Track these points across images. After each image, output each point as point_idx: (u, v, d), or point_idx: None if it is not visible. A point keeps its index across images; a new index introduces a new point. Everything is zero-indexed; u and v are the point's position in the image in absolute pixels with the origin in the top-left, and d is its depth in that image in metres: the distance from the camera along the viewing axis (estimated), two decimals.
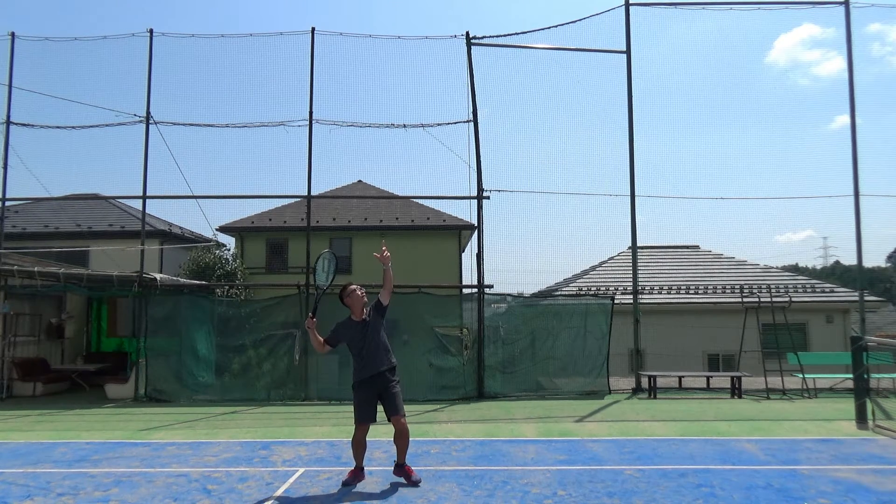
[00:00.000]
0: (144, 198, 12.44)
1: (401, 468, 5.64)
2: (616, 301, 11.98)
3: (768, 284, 17.17)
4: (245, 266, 20.15)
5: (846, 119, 12.11)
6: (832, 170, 12.52)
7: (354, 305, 5.68)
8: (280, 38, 12.42)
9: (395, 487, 5.43)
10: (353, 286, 5.78)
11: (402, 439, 5.56)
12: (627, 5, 12.33)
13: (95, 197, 18.37)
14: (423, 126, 12.24)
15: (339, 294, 5.79)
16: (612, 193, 12.13)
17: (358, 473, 5.60)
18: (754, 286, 18.00)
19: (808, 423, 8.51)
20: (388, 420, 5.60)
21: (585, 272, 21.54)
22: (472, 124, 12.13)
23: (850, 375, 9.37)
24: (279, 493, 5.34)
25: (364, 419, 5.52)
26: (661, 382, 11.61)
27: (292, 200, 18.36)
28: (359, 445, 5.56)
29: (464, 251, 22.56)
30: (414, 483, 5.51)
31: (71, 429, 8.66)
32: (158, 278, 12.02)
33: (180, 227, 20.85)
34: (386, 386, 5.54)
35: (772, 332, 12.02)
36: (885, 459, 6.38)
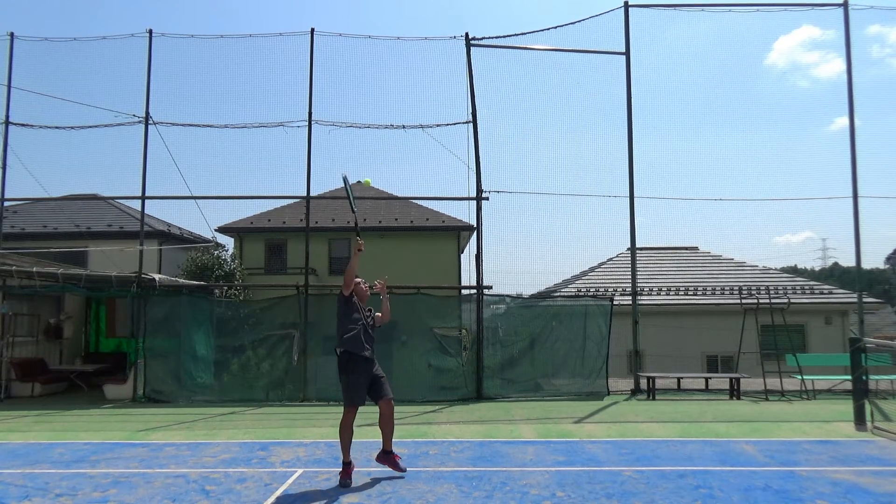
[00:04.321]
0: (143, 198, 12.43)
1: (388, 455, 5.81)
2: (615, 302, 11.98)
3: (767, 286, 17.18)
4: (244, 267, 20.13)
5: (845, 121, 12.13)
6: (831, 171, 12.48)
7: (360, 295, 5.97)
8: (279, 39, 12.43)
9: (393, 488, 5.43)
10: (357, 279, 6.06)
11: (390, 423, 5.79)
12: (626, 7, 12.34)
13: (94, 197, 18.35)
14: (422, 127, 12.25)
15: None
16: (612, 195, 12.14)
17: (349, 469, 5.64)
18: (753, 287, 18.01)
19: (806, 424, 8.52)
20: (378, 402, 5.76)
21: (584, 273, 21.57)
22: (471, 125, 12.13)
23: (849, 377, 9.37)
24: (278, 494, 5.33)
25: (358, 402, 5.69)
26: (659, 384, 11.62)
27: (291, 201, 18.38)
28: (349, 430, 5.64)
29: (463, 252, 22.56)
30: (401, 471, 5.76)
31: (69, 429, 8.65)
32: (157, 279, 12.01)
33: (179, 228, 20.82)
34: (376, 372, 5.82)
35: (770, 334, 12.01)
36: (884, 461, 6.38)
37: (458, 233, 21.92)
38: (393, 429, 5.84)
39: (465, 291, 12.92)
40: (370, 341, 5.80)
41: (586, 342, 11.83)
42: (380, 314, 6.16)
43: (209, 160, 13.17)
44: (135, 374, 11.53)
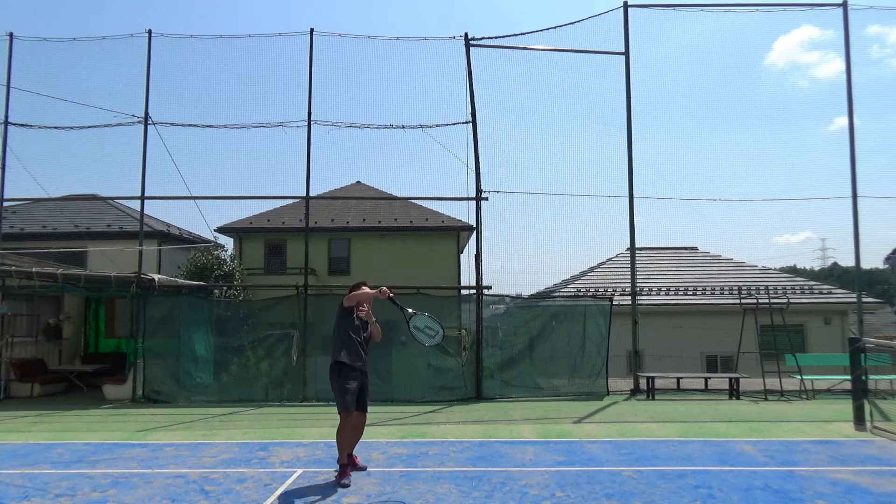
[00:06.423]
0: (143, 198, 12.42)
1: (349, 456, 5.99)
2: (614, 302, 11.97)
3: (766, 286, 17.19)
4: (243, 267, 20.13)
5: (845, 121, 12.14)
6: (830, 171, 12.47)
7: (359, 312, 6.10)
8: (279, 39, 12.43)
9: (393, 488, 5.43)
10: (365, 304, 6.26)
11: (359, 432, 6.06)
12: (626, 7, 12.33)
13: (93, 197, 18.35)
14: (421, 127, 12.24)
15: (350, 291, 6.19)
16: (611, 195, 12.14)
17: (346, 470, 5.68)
18: (752, 287, 18.01)
19: (806, 424, 8.52)
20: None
21: (584, 273, 21.58)
22: (470, 125, 12.12)
23: (848, 377, 9.37)
24: (277, 494, 5.33)
25: (351, 406, 5.81)
26: (659, 384, 11.62)
27: (291, 201, 18.37)
28: (347, 434, 5.75)
29: (462, 252, 22.57)
30: (360, 469, 6.00)
31: (69, 430, 8.65)
32: (156, 279, 12.00)
33: (178, 228, 20.82)
34: (365, 382, 6.00)
35: (770, 334, 12.01)
36: (883, 461, 6.39)
37: (457, 233, 21.93)
38: (360, 437, 6.12)
39: (464, 291, 12.92)
40: (364, 355, 5.99)
41: (586, 342, 11.83)
42: (372, 338, 6.29)
43: (209, 160, 13.21)
44: (134, 375, 11.52)
